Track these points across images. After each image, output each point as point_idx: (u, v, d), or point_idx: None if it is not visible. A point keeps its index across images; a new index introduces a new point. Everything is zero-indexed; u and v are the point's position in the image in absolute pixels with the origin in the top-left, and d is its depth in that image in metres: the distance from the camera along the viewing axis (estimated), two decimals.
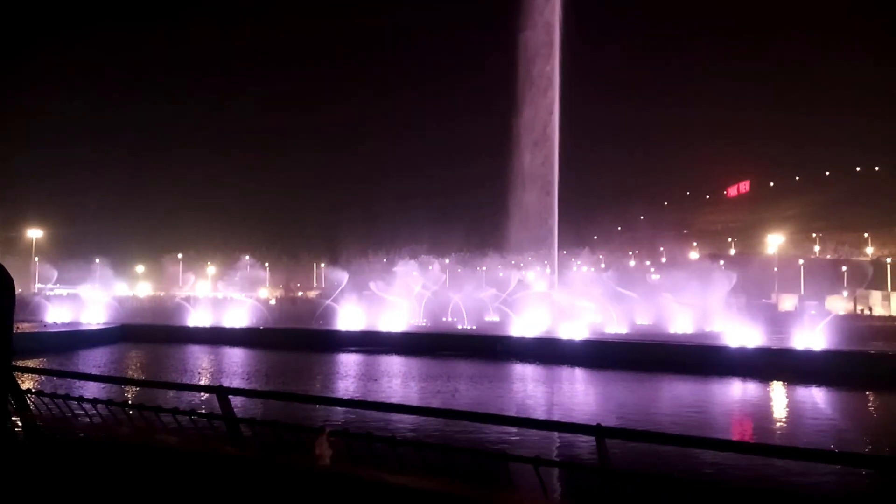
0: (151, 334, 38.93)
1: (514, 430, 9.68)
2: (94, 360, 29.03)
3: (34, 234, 67.29)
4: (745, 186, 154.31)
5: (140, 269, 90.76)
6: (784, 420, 18.40)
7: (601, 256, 57.72)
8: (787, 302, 69.90)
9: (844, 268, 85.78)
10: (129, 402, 5.31)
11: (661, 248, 59.34)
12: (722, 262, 44.38)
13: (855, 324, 47.59)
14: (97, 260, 65.32)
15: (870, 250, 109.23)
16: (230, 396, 4.79)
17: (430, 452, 4.09)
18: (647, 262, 54.67)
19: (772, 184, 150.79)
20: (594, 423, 3.61)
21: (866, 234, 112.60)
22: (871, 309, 66.80)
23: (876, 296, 71.16)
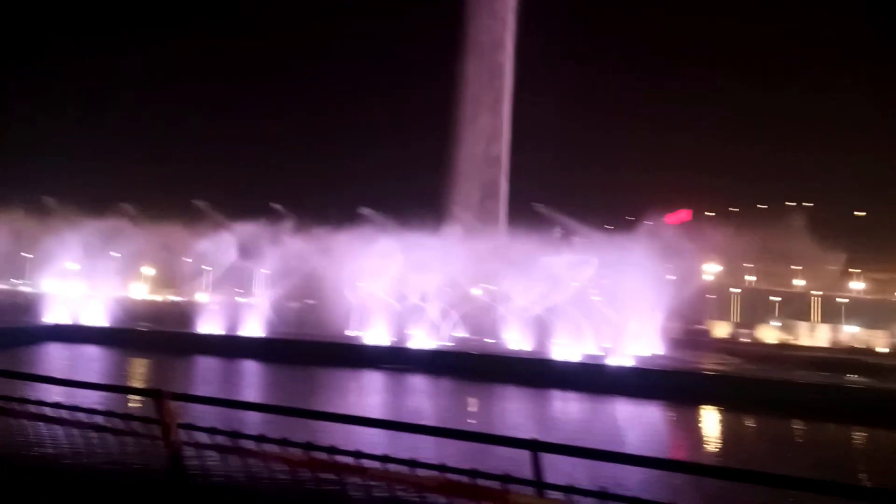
0: (83, 335, 37.54)
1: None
2: (24, 359, 27.84)
3: None
4: (684, 215, 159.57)
5: (74, 266, 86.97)
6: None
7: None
8: (720, 329, 72.25)
9: (774, 298, 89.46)
10: (63, 403, 5.16)
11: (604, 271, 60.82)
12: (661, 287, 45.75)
13: (783, 352, 49.57)
14: (31, 256, 62.40)
15: (799, 282, 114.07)
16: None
17: (370, 462, 4.13)
18: (591, 285, 55.95)
19: (710, 214, 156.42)
20: (530, 438, 3.72)
21: (796, 267, 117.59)
22: (798, 339, 69.77)
23: (803, 327, 74.47)
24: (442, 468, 3.82)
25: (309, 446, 4.26)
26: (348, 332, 43.44)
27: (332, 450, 4.10)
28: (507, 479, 3.60)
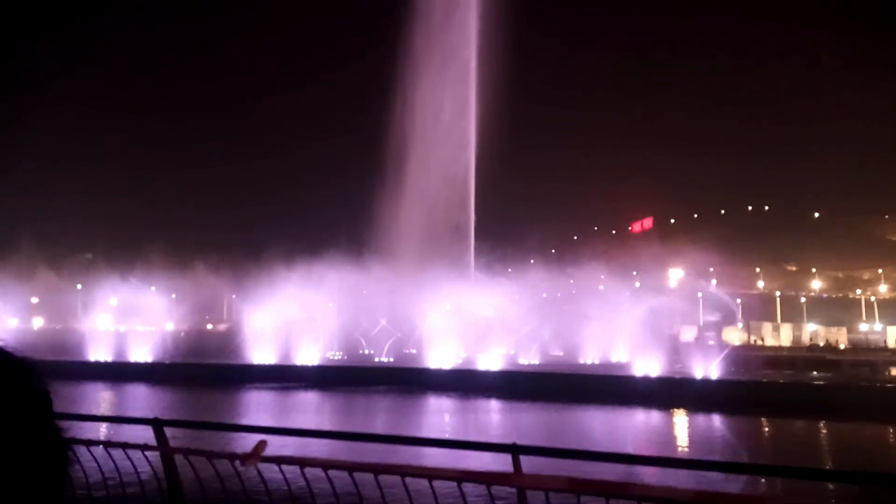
0: (46, 370, 36.72)
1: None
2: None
3: None
4: (648, 223, 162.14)
5: (34, 300, 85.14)
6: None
7: (516, 289, 59.37)
8: (688, 333, 73.47)
9: (739, 300, 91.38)
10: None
11: (572, 281, 61.84)
12: (628, 294, 46.79)
13: (749, 353, 50.72)
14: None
15: (761, 284, 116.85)
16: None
17: (360, 474, 4.41)
18: (559, 294, 56.60)
19: (672, 221, 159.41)
20: (510, 443, 4.05)
21: (758, 269, 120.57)
22: (762, 339, 71.32)
23: (767, 327, 76.11)
24: (429, 475, 4.12)
25: (302, 462, 4.51)
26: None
27: (327, 464, 4.36)
28: (489, 481, 3.92)
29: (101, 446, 5.07)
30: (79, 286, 70.15)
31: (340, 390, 30.77)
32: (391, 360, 42.42)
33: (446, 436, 19.78)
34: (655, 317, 42.78)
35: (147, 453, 4.92)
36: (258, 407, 26.92)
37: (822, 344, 67.18)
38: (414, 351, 43.11)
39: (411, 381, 32.41)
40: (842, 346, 65.26)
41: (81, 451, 5.20)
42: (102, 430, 10.81)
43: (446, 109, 53.05)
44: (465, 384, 30.98)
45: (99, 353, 42.00)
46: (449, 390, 29.95)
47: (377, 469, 3.97)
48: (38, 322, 77.32)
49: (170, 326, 56.44)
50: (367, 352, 45.43)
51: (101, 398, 29.50)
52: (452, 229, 52.74)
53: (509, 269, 51.99)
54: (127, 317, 50.50)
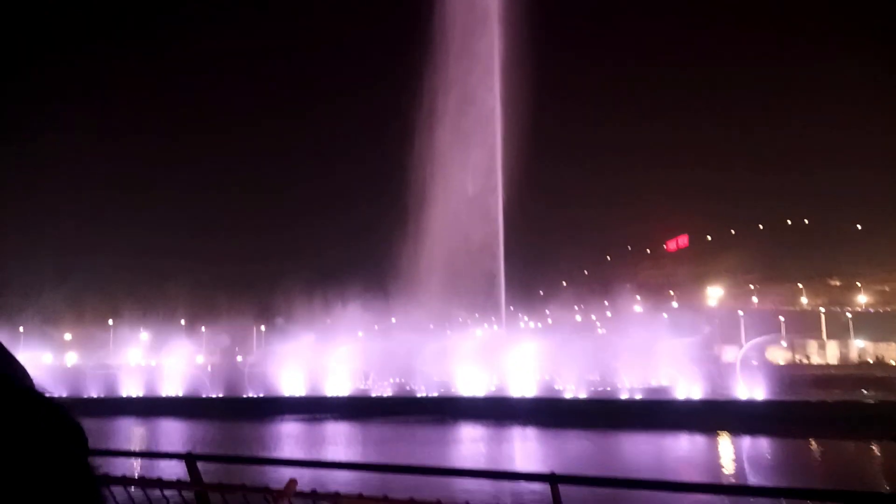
0: (77, 407, 37.18)
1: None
2: None
3: None
4: (683, 241, 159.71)
5: (67, 336, 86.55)
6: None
7: (548, 312, 58.91)
8: (730, 353, 71.74)
9: (782, 317, 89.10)
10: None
11: (606, 303, 61.04)
12: (665, 315, 45.95)
13: (794, 373, 49.29)
14: (21, 328, 62.78)
15: (804, 300, 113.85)
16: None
17: None
18: (593, 317, 55.97)
19: (709, 238, 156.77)
20: (548, 472, 3.92)
21: (800, 285, 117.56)
22: (808, 357, 69.27)
23: (812, 345, 73.93)
24: None
25: (338, 495, 4.43)
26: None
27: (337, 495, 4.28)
28: None
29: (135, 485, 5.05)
30: (110, 321, 71.46)
31: (372, 420, 30.64)
32: (423, 388, 42.14)
33: (482, 464, 19.47)
34: (695, 337, 41.93)
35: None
36: (289, 439, 26.93)
37: (871, 361, 64.93)
38: (445, 380, 42.81)
39: (444, 410, 32.14)
40: (892, 363, 62.98)
41: (118, 489, 5.19)
42: (136, 466, 10.89)
43: (471, 130, 52.90)
44: (498, 412, 30.61)
45: (130, 388, 42.42)
46: (483, 418, 29.60)
47: None
48: (71, 358, 78.80)
49: (200, 360, 57.08)
50: (397, 380, 45.22)
51: (133, 433, 29.81)
52: (479, 248, 51.93)
53: (541, 293, 51.50)
54: (157, 351, 51.20)
